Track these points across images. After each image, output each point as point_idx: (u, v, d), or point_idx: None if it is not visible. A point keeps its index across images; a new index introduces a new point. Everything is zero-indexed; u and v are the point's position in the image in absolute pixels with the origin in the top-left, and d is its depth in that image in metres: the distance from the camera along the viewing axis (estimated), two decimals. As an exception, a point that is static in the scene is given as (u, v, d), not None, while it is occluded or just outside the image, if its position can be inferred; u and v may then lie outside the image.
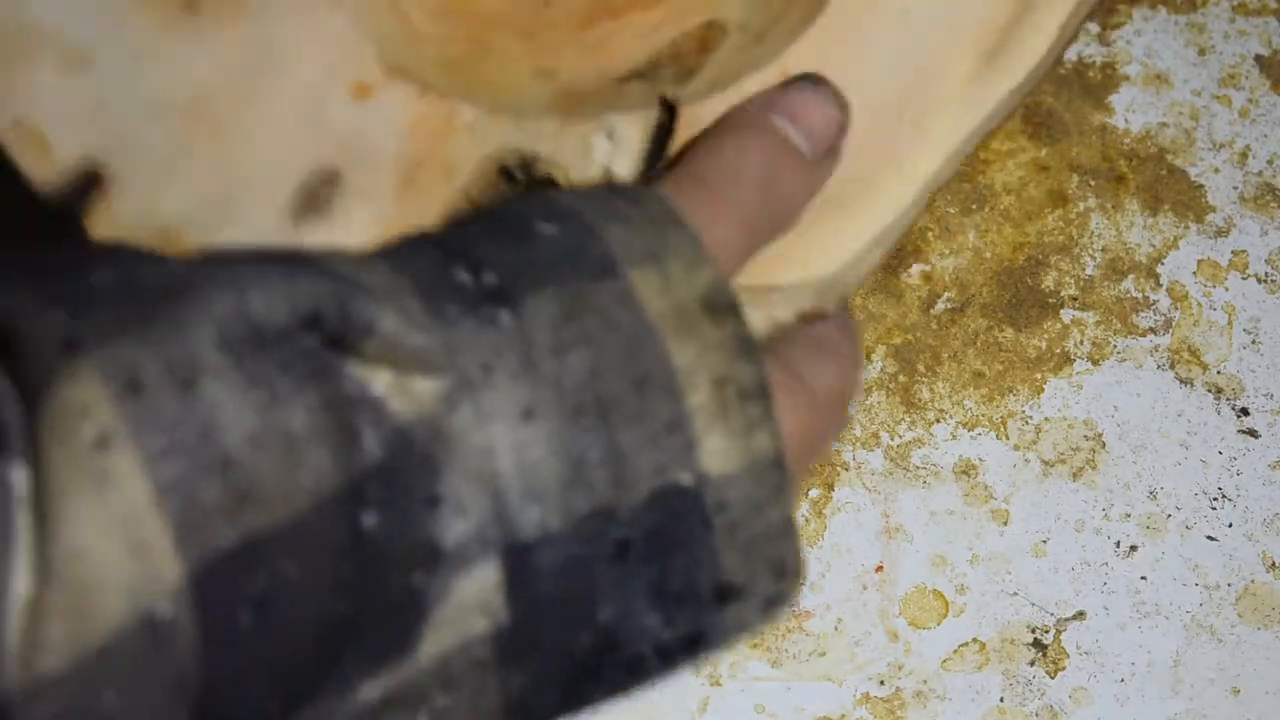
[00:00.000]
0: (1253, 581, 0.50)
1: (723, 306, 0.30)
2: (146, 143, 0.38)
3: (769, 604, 0.31)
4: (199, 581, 0.23)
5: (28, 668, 0.22)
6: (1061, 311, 0.54)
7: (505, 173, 0.39)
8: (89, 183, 0.37)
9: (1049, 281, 0.54)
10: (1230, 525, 0.51)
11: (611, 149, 0.39)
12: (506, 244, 0.30)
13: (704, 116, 0.39)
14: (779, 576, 0.31)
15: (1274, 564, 0.51)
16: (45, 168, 0.38)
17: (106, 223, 0.38)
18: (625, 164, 0.39)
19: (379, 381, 0.26)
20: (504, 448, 0.28)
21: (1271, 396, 0.53)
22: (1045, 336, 0.53)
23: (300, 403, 0.25)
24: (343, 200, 0.38)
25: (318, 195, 0.39)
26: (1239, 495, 0.52)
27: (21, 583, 0.22)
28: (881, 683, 0.48)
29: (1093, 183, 0.56)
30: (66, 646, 0.22)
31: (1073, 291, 0.55)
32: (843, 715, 0.48)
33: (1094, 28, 0.59)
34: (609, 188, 0.33)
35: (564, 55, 0.42)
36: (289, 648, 0.25)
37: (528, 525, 0.28)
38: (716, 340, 0.30)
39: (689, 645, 0.30)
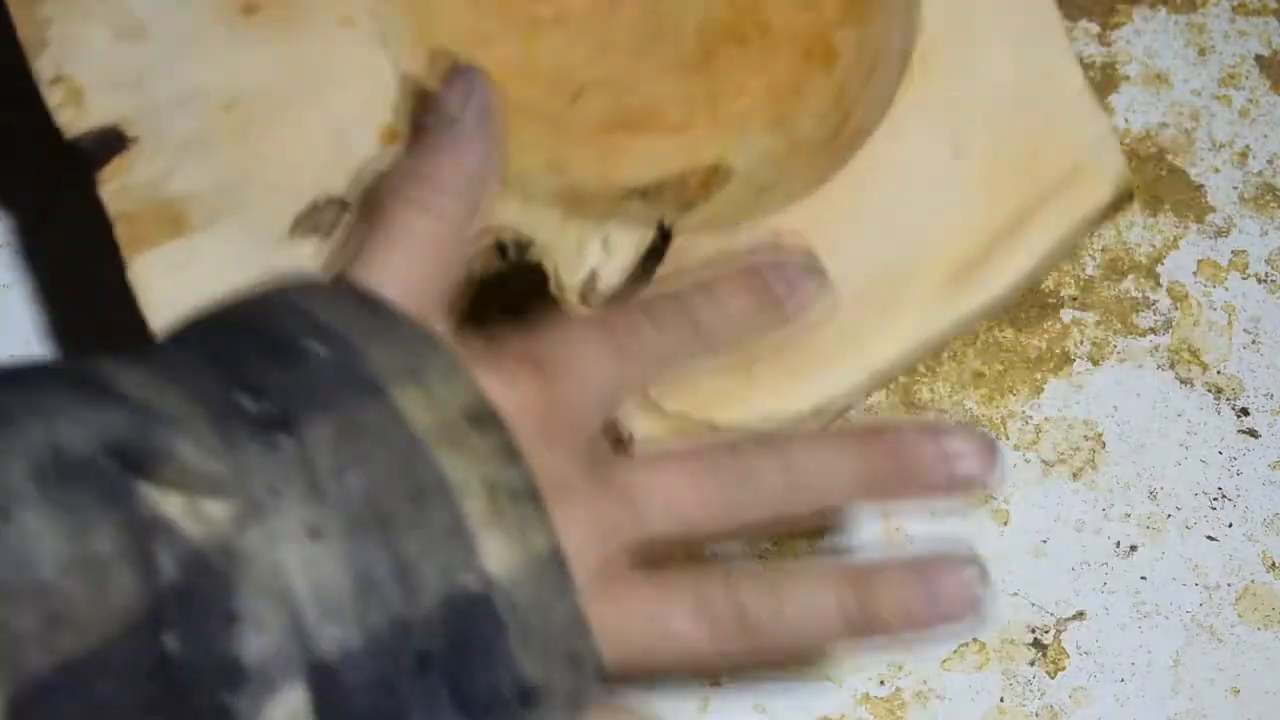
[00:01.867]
0: (1253, 581, 0.50)
1: (486, 417, 0.32)
2: (176, 122, 0.40)
3: (571, 700, 0.32)
4: (18, 708, 0.25)
5: None
6: (1061, 311, 0.54)
7: (499, 247, 0.40)
8: (112, 140, 0.39)
9: (1049, 281, 0.54)
10: (1230, 525, 0.51)
11: (603, 255, 0.40)
12: (281, 367, 0.31)
13: (694, 252, 0.40)
14: (576, 671, 0.32)
15: (1274, 564, 0.51)
16: (76, 121, 0.39)
17: (118, 182, 0.39)
18: (612, 272, 0.40)
19: (172, 505, 0.28)
20: (295, 566, 0.29)
21: (1271, 396, 0.53)
22: (1045, 336, 0.53)
23: (106, 528, 0.27)
24: (343, 230, 0.40)
25: (322, 217, 0.40)
26: (1239, 495, 0.52)
27: None
28: (881, 683, 0.48)
29: (1093, 183, 0.57)
30: None
31: (1073, 291, 0.55)
32: (843, 715, 0.48)
33: (1094, 27, 0.59)
34: (368, 308, 0.34)
35: (577, 156, 0.44)
36: None
37: (329, 644, 0.29)
38: (484, 449, 0.31)
39: None
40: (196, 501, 0.28)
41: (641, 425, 0.39)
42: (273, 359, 0.32)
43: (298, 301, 0.33)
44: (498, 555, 0.31)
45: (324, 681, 0.29)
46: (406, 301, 0.35)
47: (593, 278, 0.40)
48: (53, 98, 0.40)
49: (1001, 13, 0.43)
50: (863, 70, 0.44)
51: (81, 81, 0.40)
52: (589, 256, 0.40)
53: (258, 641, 0.28)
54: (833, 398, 0.40)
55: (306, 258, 0.39)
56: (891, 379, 0.41)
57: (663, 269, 0.40)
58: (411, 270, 0.36)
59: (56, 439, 0.27)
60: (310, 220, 0.40)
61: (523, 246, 0.40)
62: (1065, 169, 0.42)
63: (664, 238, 0.41)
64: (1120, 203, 0.42)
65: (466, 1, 0.45)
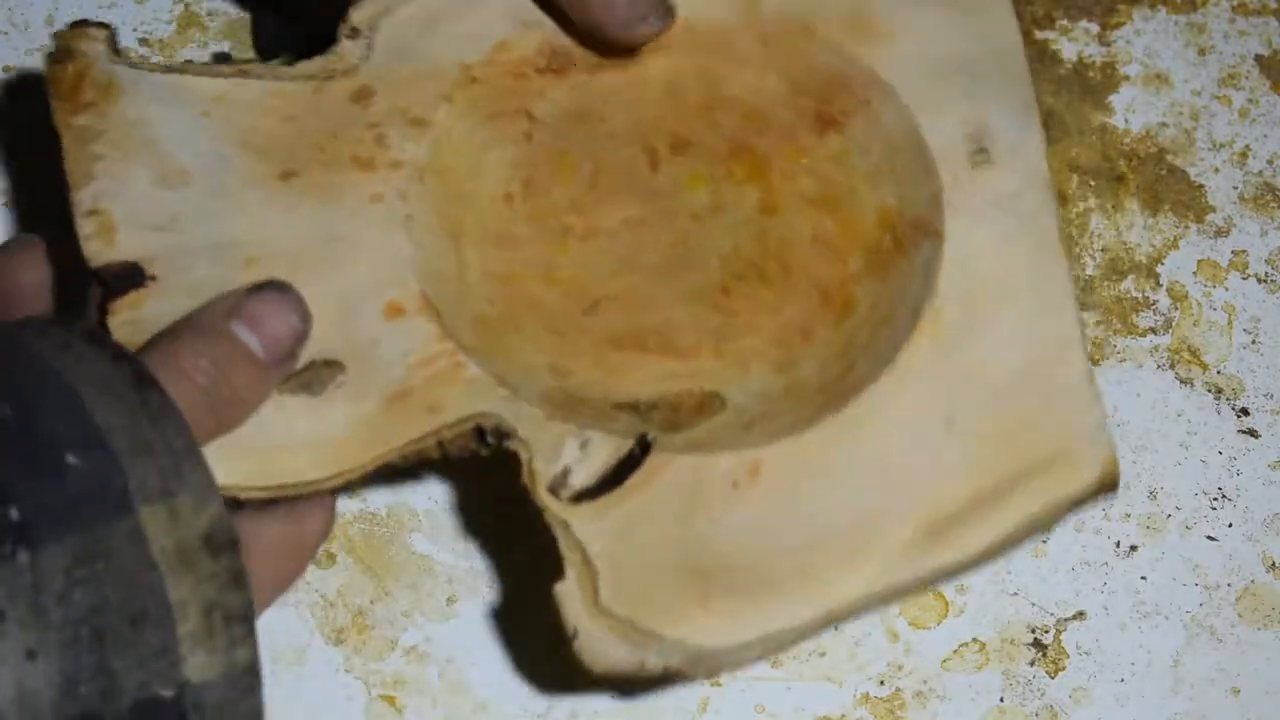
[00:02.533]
0: (1253, 581, 0.50)
1: (221, 543, 0.35)
2: (197, 268, 0.41)
3: None
4: None
5: None
6: (1061, 311, 0.54)
7: (479, 432, 0.42)
8: (133, 276, 0.41)
9: (1049, 281, 0.54)
10: (1230, 525, 0.51)
11: (580, 455, 0.42)
12: (37, 477, 0.33)
13: (667, 469, 0.42)
14: None
15: (1274, 564, 0.51)
16: (102, 253, 0.41)
17: (127, 314, 0.41)
18: (584, 474, 0.41)
19: None
20: (7, 684, 0.31)
21: (1271, 396, 0.53)
22: (1045, 336, 0.53)
23: None
24: (335, 390, 0.41)
25: (317, 376, 0.42)
26: (1239, 495, 0.52)
27: None
28: (881, 683, 0.48)
29: (1093, 183, 0.57)
30: None
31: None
32: (843, 715, 0.48)
33: (1094, 27, 0.59)
34: (139, 397, 0.36)
35: (580, 364, 0.45)
36: None
37: None
38: (211, 572, 0.34)
39: None
40: None
41: (587, 625, 0.40)
42: (32, 468, 0.33)
43: (77, 393, 0.35)
44: (197, 668, 0.34)
45: None
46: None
47: (565, 474, 0.42)
48: (85, 228, 0.41)
49: (1015, 288, 0.44)
50: (873, 325, 0.45)
51: (116, 218, 0.42)
52: (565, 455, 0.42)
53: None
54: (782, 630, 0.41)
55: (297, 414, 0.41)
56: (843, 621, 0.42)
57: (634, 479, 0.42)
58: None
59: None
60: (303, 378, 0.41)
61: (502, 435, 0.42)
62: (1052, 453, 0.43)
63: (644, 451, 0.42)
64: (1104, 491, 0.43)
65: (502, 199, 0.47)
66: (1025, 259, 0.44)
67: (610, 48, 0.46)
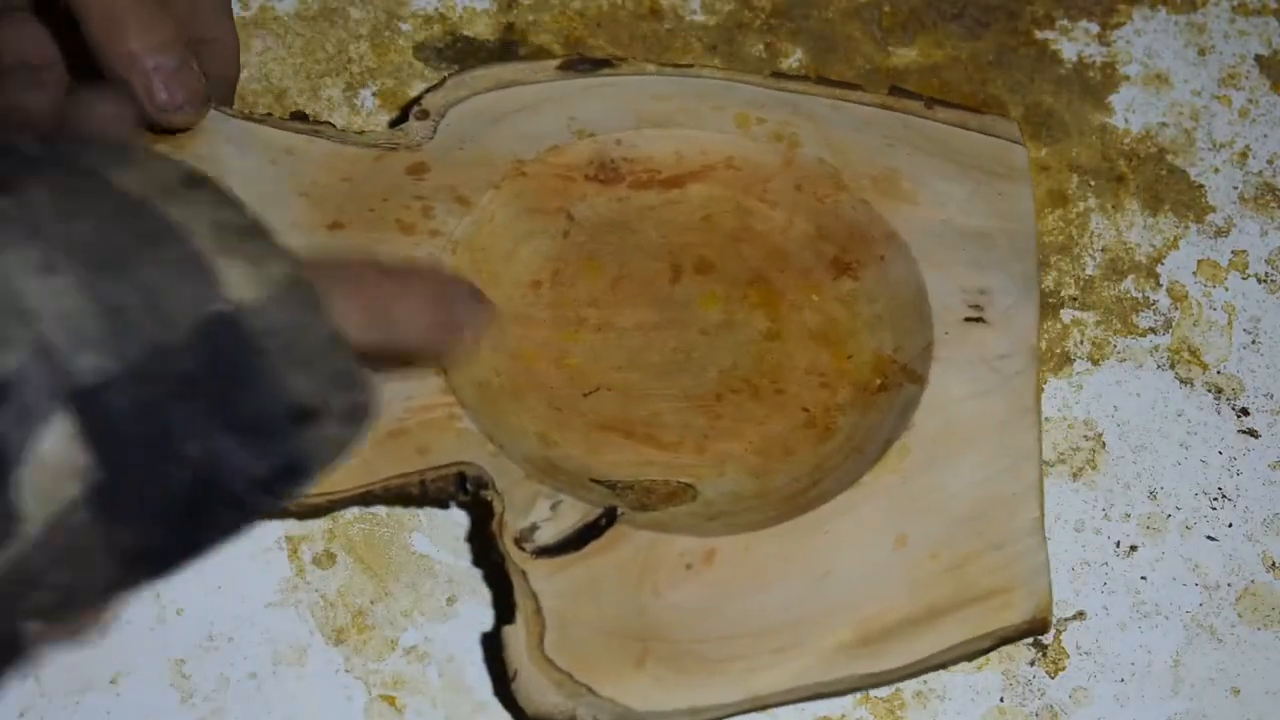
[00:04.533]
0: (1253, 581, 0.50)
1: (199, 180, 0.33)
2: None
3: (349, 417, 0.33)
4: None
5: None
6: (1061, 311, 0.54)
7: (460, 478, 0.45)
8: None
9: (1049, 281, 0.54)
10: (1230, 525, 0.51)
11: (549, 516, 0.45)
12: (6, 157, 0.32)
13: (627, 541, 0.45)
14: (349, 386, 0.33)
15: (1274, 564, 0.51)
16: None
17: None
18: (550, 532, 0.45)
19: None
20: (36, 296, 0.29)
21: (1271, 396, 0.53)
22: (1045, 336, 0.53)
23: None
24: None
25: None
26: (1239, 495, 0.52)
27: None
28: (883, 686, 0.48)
29: (1093, 183, 0.56)
30: None
31: (1073, 291, 0.55)
32: (843, 715, 0.48)
33: (1094, 27, 0.59)
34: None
35: (568, 439, 0.48)
36: None
37: (85, 371, 0.29)
38: (203, 199, 0.33)
39: (286, 475, 0.32)
40: None
41: (528, 668, 0.43)
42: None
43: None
44: (238, 284, 0.32)
45: (86, 406, 0.29)
46: None
47: (532, 529, 0.45)
48: None
49: (983, 436, 0.47)
50: (847, 451, 0.48)
51: None
52: (535, 513, 0.45)
53: (8, 359, 0.28)
54: (709, 706, 0.44)
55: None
56: (768, 708, 0.45)
57: (595, 545, 0.44)
58: None
59: None
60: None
61: (480, 485, 0.45)
62: (991, 588, 0.45)
63: (608, 522, 0.45)
64: (1034, 631, 0.46)
65: (529, 284, 0.51)
66: (999, 413, 0.47)
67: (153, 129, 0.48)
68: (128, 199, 0.32)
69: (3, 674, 0.32)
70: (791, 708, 0.48)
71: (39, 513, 0.29)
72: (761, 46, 0.58)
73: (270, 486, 0.32)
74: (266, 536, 0.49)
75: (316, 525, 0.49)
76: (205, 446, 0.31)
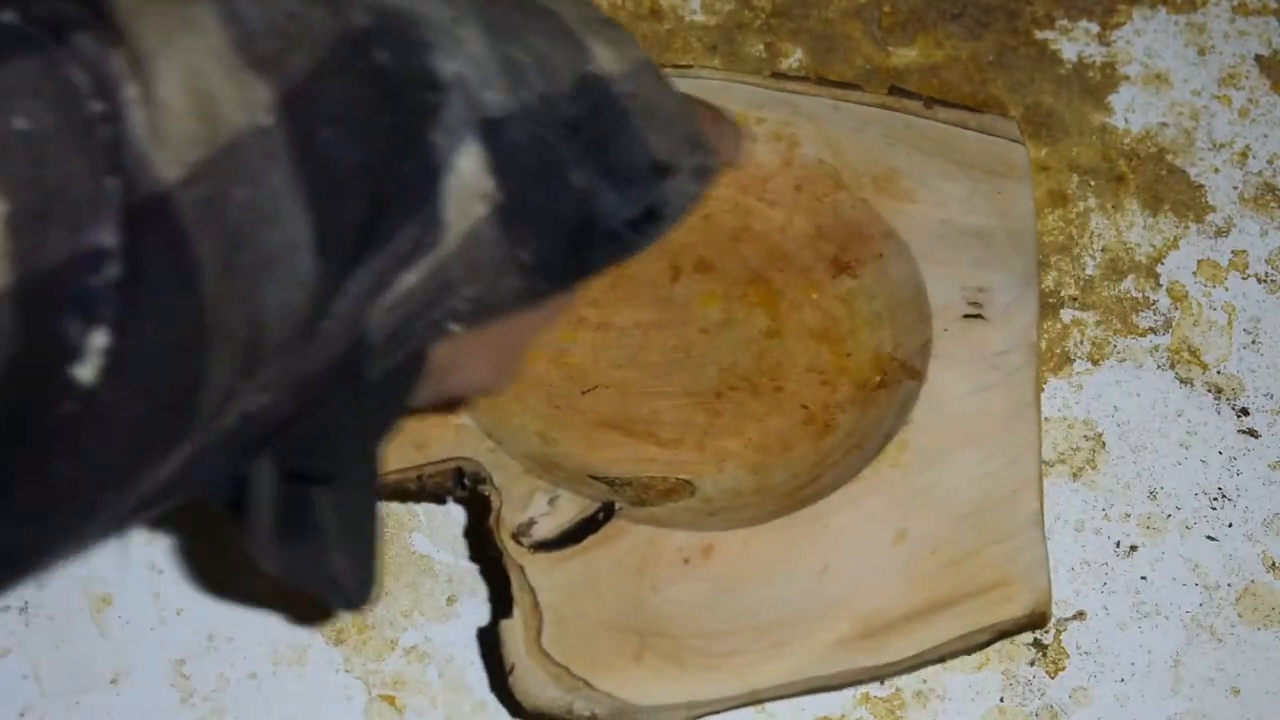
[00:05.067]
0: (1253, 581, 0.50)
1: None
2: None
3: (698, 174, 0.37)
4: (287, 101, 0.30)
5: (175, 163, 0.27)
6: (1061, 311, 0.54)
7: (458, 473, 0.46)
8: None
9: (1049, 281, 0.54)
10: (1230, 525, 0.51)
11: (547, 510, 0.45)
12: None
13: (624, 536, 0.45)
14: (696, 148, 0.38)
15: (1274, 564, 0.51)
16: None
17: None
18: (547, 526, 0.45)
19: None
20: (453, 36, 0.33)
21: (1271, 396, 0.53)
22: (1045, 336, 0.53)
23: None
24: None
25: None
26: (1239, 495, 0.52)
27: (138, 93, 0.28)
28: (881, 682, 0.48)
29: (1093, 183, 0.56)
30: (200, 147, 0.28)
31: (1073, 291, 0.55)
32: (843, 715, 0.48)
33: (1094, 27, 0.59)
34: None
35: (567, 437, 0.49)
36: (357, 177, 0.31)
37: (491, 104, 0.33)
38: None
39: (650, 217, 0.36)
40: None
41: (525, 662, 0.43)
42: None
43: None
44: (605, 57, 0.36)
45: (493, 137, 0.33)
46: None
47: (530, 524, 0.45)
48: None
49: (983, 432, 0.47)
50: (847, 447, 0.48)
51: None
52: (532, 507, 0.45)
53: (450, 64, 0.33)
54: (706, 700, 0.44)
55: None
56: (765, 702, 0.45)
57: (592, 539, 0.45)
58: None
59: None
60: None
61: (479, 480, 0.46)
62: (991, 581, 0.46)
63: (607, 515, 0.45)
64: (1033, 625, 0.46)
65: None
66: (998, 408, 0.48)
67: None
68: None
69: (410, 383, 0.36)
70: (792, 706, 0.48)
71: (457, 225, 0.33)
72: (761, 47, 0.58)
73: (637, 226, 0.36)
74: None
75: (316, 525, 0.49)
76: (586, 183, 0.35)
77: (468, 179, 0.33)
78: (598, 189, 0.35)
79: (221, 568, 0.49)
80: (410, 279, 0.33)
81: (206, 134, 0.28)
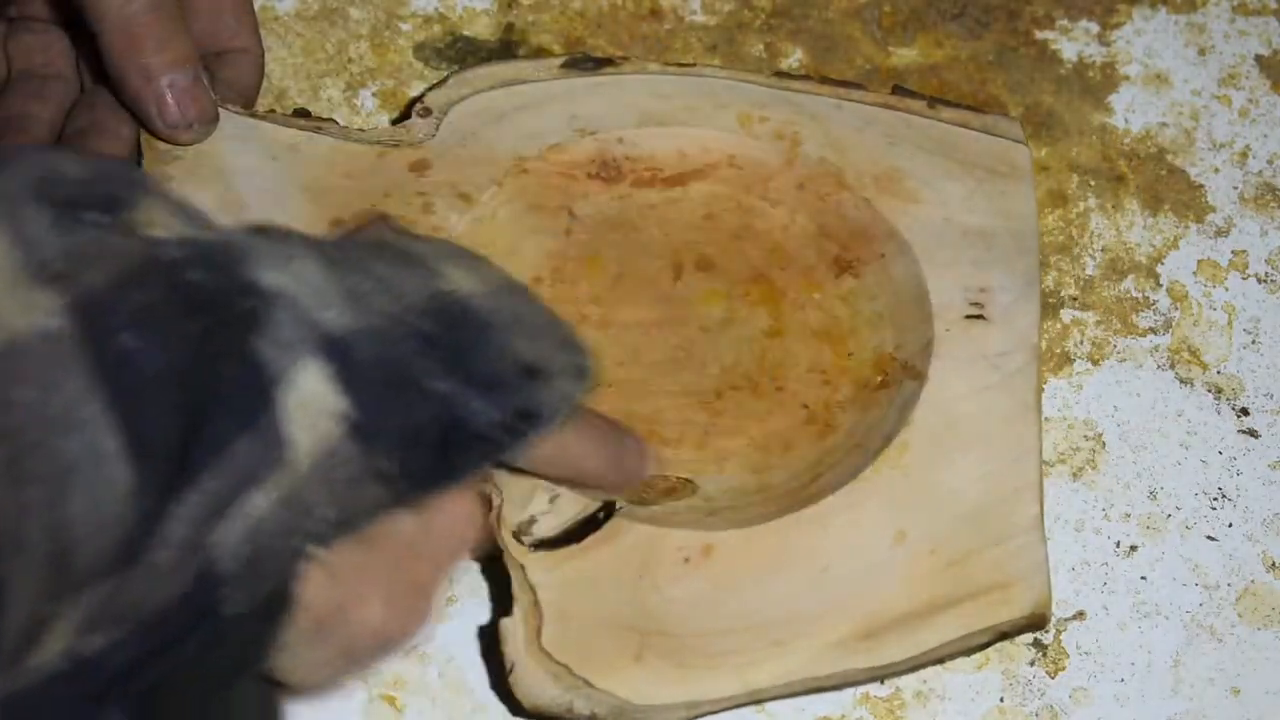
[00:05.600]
0: (1253, 581, 0.50)
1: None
2: None
3: (573, 375, 0.38)
4: (78, 305, 0.29)
5: None
6: (1061, 311, 0.54)
7: None
8: None
9: (1049, 281, 0.54)
10: (1230, 525, 0.51)
11: (547, 509, 0.45)
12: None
13: (625, 535, 0.45)
14: (569, 350, 0.38)
15: (1274, 564, 0.51)
16: None
17: None
18: (548, 525, 0.45)
19: (161, 226, 0.32)
20: (282, 271, 0.33)
21: (1271, 396, 0.53)
22: (1045, 336, 0.53)
23: (106, 223, 0.31)
24: None
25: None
26: (1239, 495, 0.52)
27: None
28: (881, 682, 0.48)
29: (1093, 183, 0.56)
30: None
31: (1073, 291, 0.55)
32: (843, 715, 0.48)
33: (1094, 27, 0.59)
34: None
35: None
36: (166, 383, 0.29)
37: (332, 323, 0.33)
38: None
39: (523, 419, 0.36)
40: (180, 228, 0.32)
41: (525, 661, 0.43)
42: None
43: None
44: (458, 279, 0.36)
45: (336, 351, 0.32)
46: None
47: (531, 522, 0.45)
48: None
49: (984, 433, 0.47)
50: (848, 447, 0.48)
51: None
52: (533, 505, 0.45)
53: (271, 276, 0.32)
54: (706, 700, 0.44)
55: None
56: (765, 701, 0.45)
57: (593, 538, 0.44)
58: None
59: (56, 168, 0.31)
60: None
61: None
62: (991, 583, 0.46)
63: (607, 515, 0.45)
64: (1032, 627, 0.46)
65: (530, 280, 0.51)
66: (999, 409, 0.48)
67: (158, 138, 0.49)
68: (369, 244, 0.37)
69: (277, 622, 0.33)
70: (792, 707, 0.48)
71: (305, 443, 0.32)
72: (761, 47, 0.58)
73: (511, 429, 0.36)
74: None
75: (316, 525, 0.49)
76: (448, 390, 0.34)
77: (311, 397, 0.32)
78: (460, 397, 0.34)
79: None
80: (259, 501, 0.31)
81: None
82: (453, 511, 0.37)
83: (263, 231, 0.35)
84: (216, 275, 0.31)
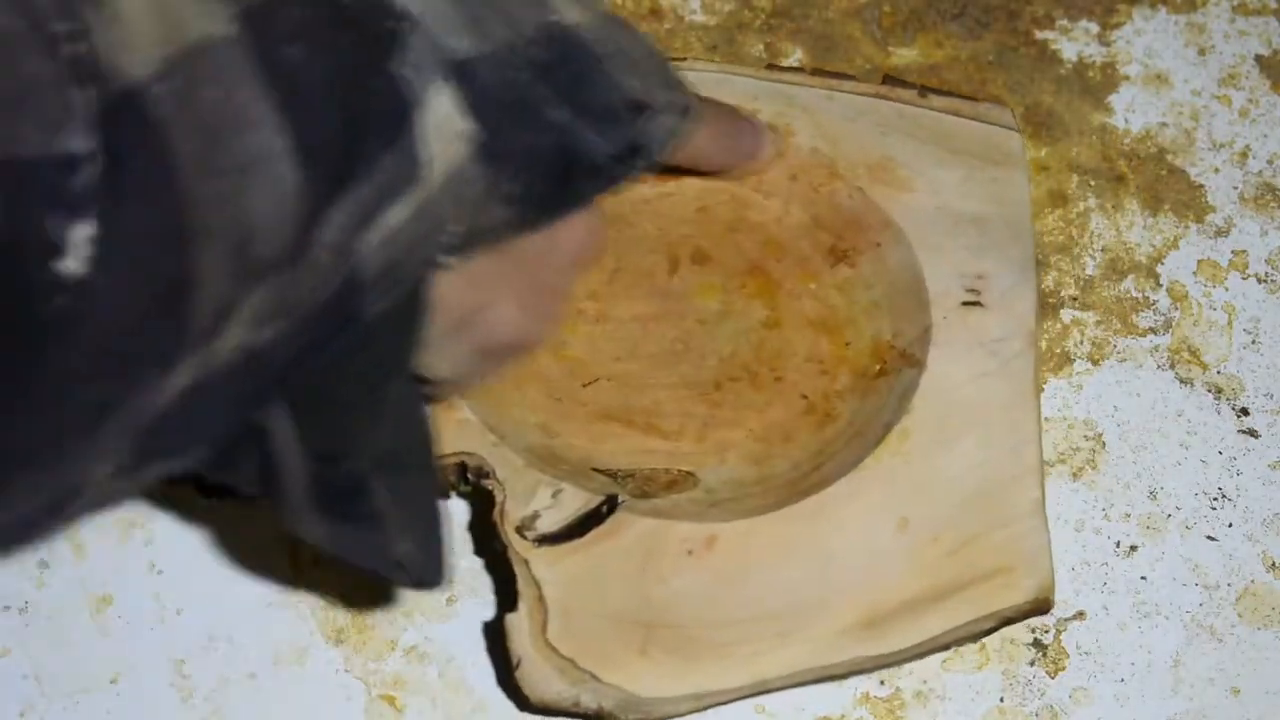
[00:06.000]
0: (1253, 581, 0.50)
1: None
2: None
3: (677, 110, 0.39)
4: (247, 14, 0.30)
5: (144, 62, 0.27)
6: (1061, 311, 0.54)
7: (461, 468, 0.46)
8: None
9: (1049, 281, 0.54)
10: (1230, 525, 0.51)
11: (551, 502, 0.45)
12: None
13: (628, 528, 0.45)
14: (673, 89, 0.39)
15: (1274, 564, 0.51)
16: None
17: None
18: (551, 520, 0.45)
19: None
20: None
21: (1271, 396, 0.53)
22: (1045, 336, 0.53)
23: None
24: None
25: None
26: (1239, 495, 0.52)
27: None
28: (881, 683, 0.48)
29: (1093, 183, 0.56)
30: (167, 46, 0.28)
31: (1073, 291, 0.55)
32: (843, 715, 0.48)
33: (1094, 27, 0.59)
34: None
35: (569, 429, 0.49)
36: (326, 94, 0.31)
37: (457, 49, 0.34)
38: None
39: (633, 152, 0.37)
40: None
41: (531, 656, 0.43)
42: None
43: None
44: (568, 10, 0.37)
45: (464, 78, 0.34)
46: None
47: (534, 517, 0.45)
48: None
49: (984, 419, 0.48)
50: (849, 436, 0.48)
51: None
52: (536, 501, 0.45)
53: (390, 12, 0.33)
54: (713, 691, 0.44)
55: None
56: (772, 691, 0.45)
57: (596, 532, 0.45)
58: None
59: None
60: None
61: (481, 474, 0.45)
62: (994, 568, 0.46)
63: (610, 509, 0.45)
64: (1036, 611, 0.46)
65: None
66: (998, 395, 0.48)
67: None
68: None
69: (416, 324, 0.36)
70: (792, 707, 0.48)
71: (439, 164, 0.33)
72: (761, 46, 0.58)
73: (621, 159, 0.37)
74: (266, 536, 0.49)
75: (316, 525, 0.49)
76: (564, 121, 0.36)
77: (443, 119, 0.33)
78: (576, 127, 0.36)
79: (222, 568, 0.49)
80: (397, 214, 0.33)
81: (173, 36, 0.29)
82: (576, 226, 0.39)
83: None
84: None
